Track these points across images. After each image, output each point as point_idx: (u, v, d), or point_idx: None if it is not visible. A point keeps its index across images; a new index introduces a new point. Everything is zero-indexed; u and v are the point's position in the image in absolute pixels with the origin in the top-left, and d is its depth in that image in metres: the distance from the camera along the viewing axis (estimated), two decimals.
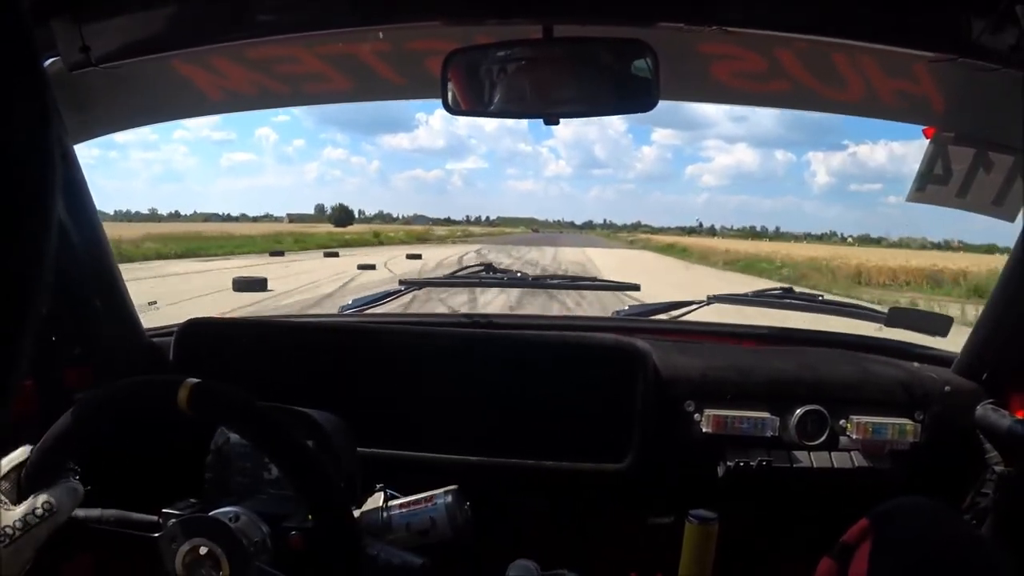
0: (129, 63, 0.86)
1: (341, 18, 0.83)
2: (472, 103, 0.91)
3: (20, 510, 0.68)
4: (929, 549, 0.84)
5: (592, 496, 1.26)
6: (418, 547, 0.87)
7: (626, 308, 1.65)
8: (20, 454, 0.72)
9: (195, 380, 0.71)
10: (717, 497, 1.15)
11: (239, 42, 0.87)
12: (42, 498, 0.69)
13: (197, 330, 1.22)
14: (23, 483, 0.71)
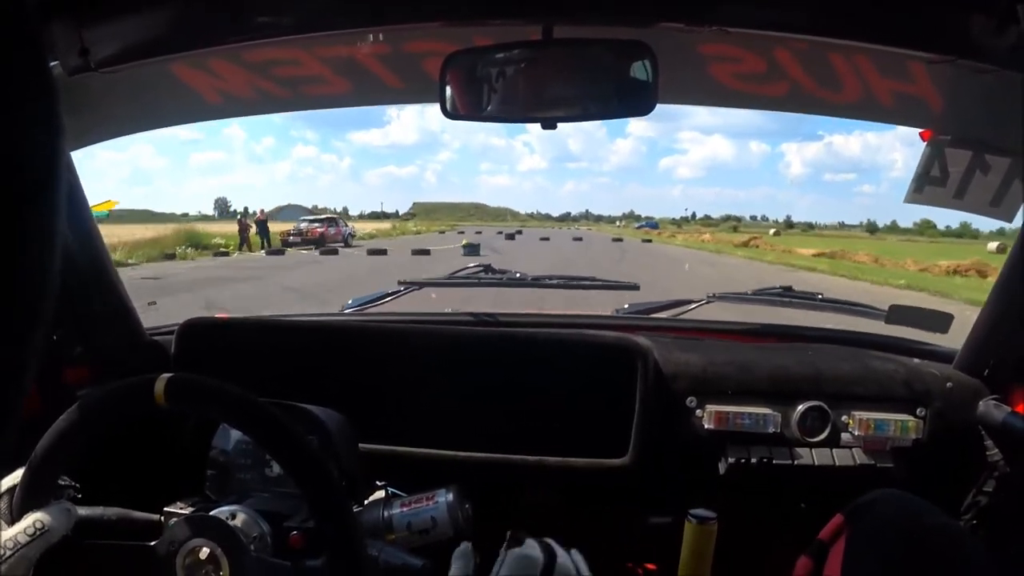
0: (128, 67, 0.86)
1: (340, 19, 0.83)
2: (470, 107, 0.90)
3: (12, 530, 0.68)
4: (904, 541, 0.84)
5: (594, 492, 1.26)
6: (419, 547, 0.87)
7: (627, 306, 1.66)
8: (16, 476, 0.72)
9: (169, 374, 0.70)
10: (718, 493, 1.15)
11: (239, 44, 0.87)
12: (34, 517, 0.69)
13: (197, 329, 1.22)
14: (14, 504, 0.71)
